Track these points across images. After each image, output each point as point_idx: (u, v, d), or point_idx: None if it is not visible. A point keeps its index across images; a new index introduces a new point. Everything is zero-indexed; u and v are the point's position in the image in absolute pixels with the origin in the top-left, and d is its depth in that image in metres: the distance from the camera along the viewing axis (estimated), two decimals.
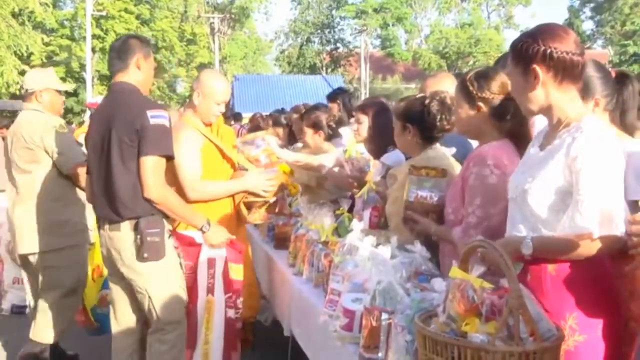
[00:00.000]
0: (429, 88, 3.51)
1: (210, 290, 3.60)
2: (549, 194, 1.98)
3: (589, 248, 1.91)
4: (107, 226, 3.29)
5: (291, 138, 6.35)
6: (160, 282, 3.26)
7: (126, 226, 3.22)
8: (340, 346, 2.38)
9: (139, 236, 3.19)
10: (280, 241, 4.02)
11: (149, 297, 3.26)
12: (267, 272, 4.10)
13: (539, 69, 2.00)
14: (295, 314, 3.33)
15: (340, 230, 3.35)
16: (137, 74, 3.37)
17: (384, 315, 2.10)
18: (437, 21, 45.91)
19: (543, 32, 2.03)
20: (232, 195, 3.93)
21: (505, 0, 46.08)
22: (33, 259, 4.27)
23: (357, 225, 2.80)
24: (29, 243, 4.23)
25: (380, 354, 2.10)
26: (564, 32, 2.03)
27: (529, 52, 2.01)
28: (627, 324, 2.05)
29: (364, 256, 2.55)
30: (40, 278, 4.30)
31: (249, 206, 3.99)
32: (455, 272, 1.80)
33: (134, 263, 3.23)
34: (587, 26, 45.83)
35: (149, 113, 3.16)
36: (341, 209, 3.61)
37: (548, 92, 2.03)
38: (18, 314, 5.81)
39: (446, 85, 3.51)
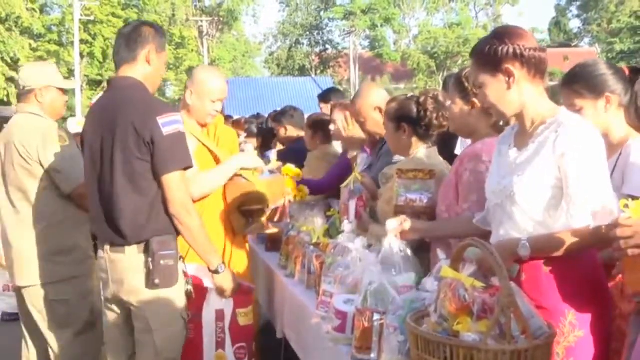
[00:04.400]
0: (360, 103, 3.61)
1: (221, 345, 3.19)
2: (540, 192, 1.99)
3: (586, 240, 1.93)
4: (107, 247, 2.85)
5: (264, 146, 6.43)
6: (167, 314, 2.83)
7: (132, 249, 2.79)
8: (333, 347, 2.37)
9: (150, 259, 2.74)
10: (273, 243, 4.02)
11: (152, 330, 2.81)
12: (259, 275, 4.09)
13: (512, 68, 2.03)
14: (288, 316, 3.32)
15: (332, 232, 3.36)
16: (146, 68, 2.90)
17: (376, 316, 2.10)
18: (426, 21, 45.98)
19: (507, 33, 2.07)
20: (225, 201, 3.49)
21: (493, 0, 46.25)
22: (34, 292, 3.50)
23: (348, 227, 2.81)
24: (30, 274, 3.48)
25: (372, 355, 2.10)
26: (523, 32, 2.09)
27: (499, 53, 2.03)
28: (614, 322, 2.07)
29: (355, 257, 2.55)
30: (47, 315, 3.52)
31: (249, 215, 3.58)
32: (446, 271, 1.81)
33: (141, 290, 2.79)
34: (574, 24, 46.23)
35: (160, 121, 2.72)
36: (332, 210, 3.61)
37: (522, 90, 2.05)
38: (9, 321, 5.78)
39: (374, 94, 3.61)
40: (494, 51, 2.04)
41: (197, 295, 3.04)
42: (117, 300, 2.89)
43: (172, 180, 2.75)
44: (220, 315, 3.18)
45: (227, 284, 3.04)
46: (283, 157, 4.56)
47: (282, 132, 5.55)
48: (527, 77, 2.04)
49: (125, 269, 2.81)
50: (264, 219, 3.62)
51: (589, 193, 1.92)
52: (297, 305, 3.08)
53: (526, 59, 2.02)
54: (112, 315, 2.98)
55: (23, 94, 3.64)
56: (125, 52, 2.88)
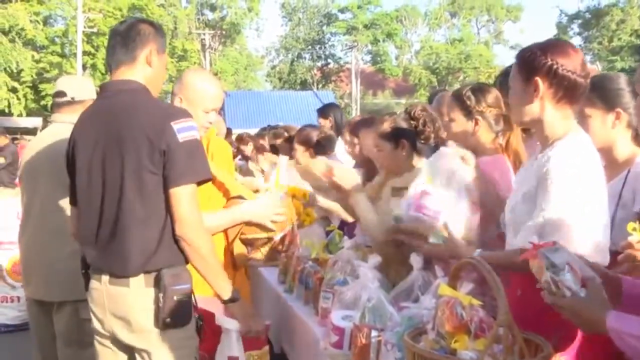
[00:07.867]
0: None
1: None
2: (528, 207, 2.01)
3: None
4: (105, 278, 2.39)
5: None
6: (178, 356, 2.39)
7: (138, 281, 2.34)
8: None
9: (161, 294, 2.30)
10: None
11: None
12: (258, 289, 4.08)
13: (540, 82, 2.00)
14: (286, 331, 3.32)
15: (331, 247, 3.35)
16: (147, 70, 2.52)
17: (374, 333, 2.10)
18: (427, 37, 46.28)
19: (553, 47, 2.02)
20: (225, 232, 3.08)
21: (495, 16, 46.52)
22: (65, 308, 3.31)
23: (348, 243, 2.81)
24: (64, 290, 3.23)
25: None
26: (573, 51, 2.02)
27: (535, 63, 2.00)
28: None
29: (354, 273, 2.55)
30: (71, 333, 3.31)
31: (249, 244, 3.15)
32: (444, 289, 1.81)
33: (148, 330, 2.34)
34: (575, 42, 46.26)
35: (175, 126, 2.32)
36: (331, 225, 3.61)
37: (544, 107, 2.02)
38: (6, 332, 5.77)
39: None
40: (532, 59, 2.01)
41: (210, 334, 2.64)
42: (116, 339, 2.46)
43: (183, 195, 2.33)
44: None
45: (243, 315, 2.62)
46: None
47: None
48: (552, 97, 2.00)
49: (130, 307, 2.36)
50: (265, 248, 3.17)
51: (553, 217, 1.91)
52: (295, 321, 3.08)
53: (557, 79, 1.98)
54: (106, 352, 2.54)
55: (70, 104, 3.49)
56: (122, 53, 2.50)
